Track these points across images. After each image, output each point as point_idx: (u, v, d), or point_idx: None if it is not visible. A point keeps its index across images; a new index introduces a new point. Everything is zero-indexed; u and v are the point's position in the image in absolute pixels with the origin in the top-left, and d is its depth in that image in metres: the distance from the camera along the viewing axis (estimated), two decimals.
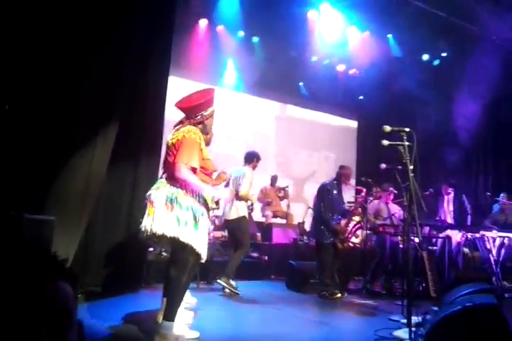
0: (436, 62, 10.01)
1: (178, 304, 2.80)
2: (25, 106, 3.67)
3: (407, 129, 3.43)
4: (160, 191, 2.78)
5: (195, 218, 2.76)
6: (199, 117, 3.00)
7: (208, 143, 3.23)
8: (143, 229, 2.77)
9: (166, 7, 5.30)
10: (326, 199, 5.50)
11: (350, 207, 5.99)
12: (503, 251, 6.61)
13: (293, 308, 4.61)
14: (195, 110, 2.99)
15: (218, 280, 5.10)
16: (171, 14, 5.50)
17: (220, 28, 8.73)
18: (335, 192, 5.57)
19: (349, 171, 5.81)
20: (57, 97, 3.84)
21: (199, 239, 2.77)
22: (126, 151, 4.54)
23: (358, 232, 5.77)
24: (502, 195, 7.55)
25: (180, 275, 2.79)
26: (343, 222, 5.76)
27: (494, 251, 6.60)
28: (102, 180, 4.11)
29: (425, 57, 9.88)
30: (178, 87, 8.06)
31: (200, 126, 3.00)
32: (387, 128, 3.41)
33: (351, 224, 5.61)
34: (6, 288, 0.89)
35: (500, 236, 6.61)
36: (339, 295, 5.25)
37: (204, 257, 2.87)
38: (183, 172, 2.75)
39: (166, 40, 5.38)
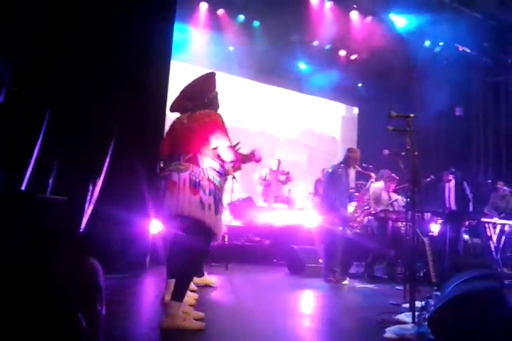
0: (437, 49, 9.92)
1: (187, 285, 2.83)
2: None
3: (412, 115, 3.41)
4: (182, 174, 2.77)
5: (215, 202, 2.78)
6: (207, 101, 3.02)
7: None
8: (166, 208, 2.77)
9: None
10: (335, 185, 5.34)
11: (355, 192, 5.94)
12: (503, 238, 6.63)
13: (295, 292, 4.63)
14: (201, 95, 3.01)
15: None
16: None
17: (220, 11, 8.60)
18: (343, 177, 5.42)
19: (357, 154, 5.58)
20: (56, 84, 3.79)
21: (218, 223, 2.83)
22: (128, 138, 4.49)
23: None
24: (500, 182, 7.56)
25: (194, 256, 2.80)
26: (350, 207, 5.72)
27: (494, 238, 6.62)
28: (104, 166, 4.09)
29: (427, 43, 9.78)
30: (179, 72, 8.04)
31: (211, 108, 3.02)
32: (393, 114, 3.42)
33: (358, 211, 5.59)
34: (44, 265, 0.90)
35: (500, 224, 6.63)
36: (346, 281, 5.25)
37: (218, 240, 2.92)
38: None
39: (167, 23, 5.31)
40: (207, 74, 3.16)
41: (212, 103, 3.06)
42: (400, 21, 9.21)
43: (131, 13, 4.77)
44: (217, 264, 5.59)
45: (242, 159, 3.00)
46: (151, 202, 4.23)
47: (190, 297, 3.27)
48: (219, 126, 2.86)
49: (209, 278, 4.30)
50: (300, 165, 10.28)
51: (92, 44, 4.30)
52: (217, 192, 2.82)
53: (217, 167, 2.86)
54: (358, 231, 6.24)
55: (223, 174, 2.95)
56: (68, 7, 4.02)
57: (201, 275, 4.15)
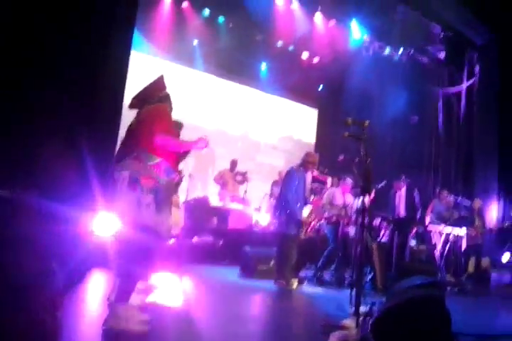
0: (396, 57, 10.20)
1: (132, 286, 2.75)
2: None
3: (367, 122, 3.46)
4: (124, 172, 2.73)
5: (157, 201, 2.71)
6: (156, 99, 3.00)
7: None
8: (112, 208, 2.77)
9: None
10: (293, 188, 5.33)
11: (311, 195, 5.97)
12: (447, 245, 6.87)
13: (246, 296, 4.60)
14: (149, 95, 3.01)
15: None
16: None
17: (185, 4, 8.45)
18: (301, 180, 5.41)
19: (315, 158, 5.59)
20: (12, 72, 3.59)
21: (161, 222, 2.73)
22: (82, 127, 4.30)
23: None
24: (444, 191, 7.83)
25: (137, 257, 2.69)
26: (305, 210, 5.73)
27: (439, 246, 6.86)
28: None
29: (387, 51, 10.02)
30: (142, 63, 7.85)
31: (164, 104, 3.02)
32: (349, 120, 3.50)
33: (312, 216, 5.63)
34: None
35: (446, 232, 6.87)
36: (295, 285, 5.24)
37: (165, 242, 2.86)
38: (161, 139, 2.74)
39: (129, 12, 5.15)
40: (156, 77, 3.17)
41: (162, 101, 3.03)
42: (362, 28, 9.39)
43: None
44: (169, 264, 5.47)
45: (186, 146, 2.92)
46: (99, 194, 4.03)
47: (136, 298, 3.20)
48: (156, 119, 2.84)
49: (159, 279, 4.18)
50: (277, 170, 10.29)
51: (48, 32, 4.08)
52: (160, 191, 2.74)
53: (164, 165, 2.79)
54: (310, 234, 6.29)
55: (172, 172, 2.87)
56: None
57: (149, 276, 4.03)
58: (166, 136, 2.78)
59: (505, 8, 8.21)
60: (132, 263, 2.70)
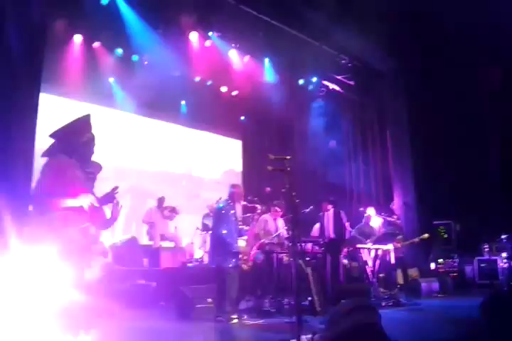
0: (310, 87, 10.73)
1: None
2: None
3: (288, 157, 3.82)
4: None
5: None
6: (71, 148, 2.88)
7: (93, 178, 3.05)
8: None
9: (36, 20, 4.92)
10: (225, 221, 5.36)
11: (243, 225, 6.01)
12: (377, 261, 7.17)
13: (186, 338, 4.44)
14: (69, 139, 2.89)
15: None
16: (43, 27, 5.14)
17: (96, 44, 8.34)
18: (231, 212, 5.47)
19: (241, 189, 5.78)
20: None
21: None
22: None
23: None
24: (369, 208, 8.24)
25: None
26: (241, 241, 5.73)
27: (370, 262, 7.14)
28: None
29: (301, 81, 10.51)
30: (52, 105, 7.55)
31: (75, 155, 2.87)
32: (271, 156, 3.84)
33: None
34: None
35: (374, 248, 7.17)
36: (236, 320, 5.17)
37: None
38: (39, 198, 2.67)
39: (37, 53, 4.98)
40: (81, 116, 3.02)
41: (79, 149, 2.90)
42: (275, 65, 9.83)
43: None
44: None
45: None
46: None
47: None
48: (52, 172, 2.73)
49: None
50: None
51: None
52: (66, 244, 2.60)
53: (70, 216, 2.67)
54: (250, 264, 6.25)
55: (80, 223, 2.73)
56: None
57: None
58: (43, 196, 2.66)
59: (408, 38, 9.09)
60: None
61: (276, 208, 6.55)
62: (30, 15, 4.90)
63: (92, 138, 2.98)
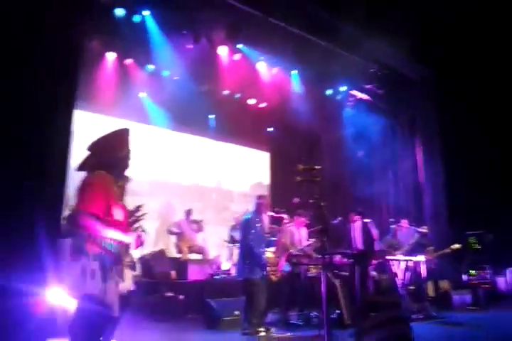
0: (338, 97, 10.72)
1: None
2: None
3: (318, 167, 3.69)
4: (67, 239, 2.65)
5: (103, 268, 2.58)
6: (113, 161, 2.84)
7: (122, 191, 2.98)
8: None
9: (71, 39, 5.13)
10: (252, 232, 5.37)
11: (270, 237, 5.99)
12: (408, 274, 7.03)
13: None
14: (109, 153, 2.85)
15: None
16: (78, 45, 5.35)
17: (128, 61, 8.62)
18: (258, 224, 5.49)
19: (267, 200, 5.81)
20: None
21: (108, 291, 2.58)
22: (25, 194, 4.17)
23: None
24: (403, 220, 8.11)
25: (84, 332, 2.58)
26: (270, 252, 5.74)
27: (400, 274, 7.01)
28: None
29: (329, 92, 10.52)
30: (87, 122, 7.82)
31: (114, 170, 2.83)
32: (301, 166, 3.78)
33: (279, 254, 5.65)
34: None
35: (404, 260, 7.05)
36: (264, 333, 5.14)
37: (115, 311, 2.64)
38: (82, 218, 2.57)
39: (72, 71, 5.18)
40: (120, 130, 2.98)
41: (118, 164, 2.86)
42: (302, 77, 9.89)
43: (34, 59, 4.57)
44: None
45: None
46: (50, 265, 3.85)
47: None
48: (89, 189, 2.66)
49: None
50: None
51: None
52: (105, 257, 2.62)
53: (108, 231, 2.65)
54: (279, 275, 6.24)
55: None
56: None
57: None
58: (89, 219, 2.58)
59: (439, 44, 9.00)
60: (80, 335, 2.59)
61: (300, 218, 6.51)
62: (67, 35, 5.08)
63: (130, 152, 2.94)
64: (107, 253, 2.64)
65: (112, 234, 2.67)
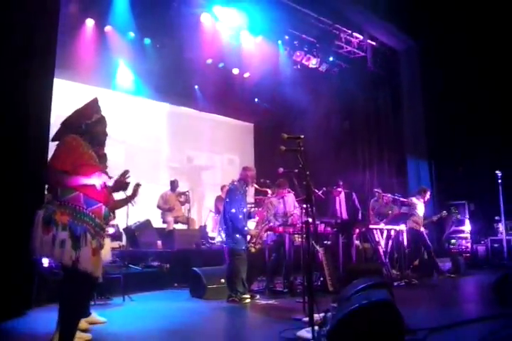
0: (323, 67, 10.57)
1: (72, 329, 2.68)
2: None
3: (302, 136, 3.64)
4: (39, 210, 2.66)
5: (74, 237, 2.61)
6: (83, 127, 2.93)
7: (99, 155, 3.08)
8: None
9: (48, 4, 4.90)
10: (237, 203, 5.37)
11: (253, 208, 6.01)
12: (390, 242, 7.19)
13: (198, 316, 4.55)
14: (78, 121, 2.95)
15: None
16: (55, 12, 5.12)
17: (108, 28, 8.31)
18: (243, 194, 5.49)
19: (254, 172, 5.71)
20: None
21: (84, 258, 2.62)
22: (5, 164, 4.08)
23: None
24: (376, 189, 8.24)
25: (66, 298, 2.68)
26: (251, 224, 5.75)
27: (383, 243, 7.15)
28: None
29: (313, 61, 10.36)
30: (65, 90, 7.59)
31: (86, 136, 2.92)
32: (285, 135, 3.67)
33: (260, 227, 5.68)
34: None
35: (386, 229, 7.19)
36: (248, 299, 5.25)
37: (96, 275, 2.74)
38: (49, 173, 2.71)
39: (49, 38, 4.96)
40: (89, 101, 3.08)
41: (90, 130, 2.95)
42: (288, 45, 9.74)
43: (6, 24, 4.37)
44: (114, 297, 5.27)
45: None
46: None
47: (80, 338, 3.17)
48: (64, 149, 2.77)
49: (96, 317, 4.02)
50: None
51: None
52: (76, 226, 2.64)
53: (83, 197, 2.71)
54: (260, 246, 6.31)
55: (95, 203, 2.77)
56: None
57: (87, 314, 3.85)
58: (56, 173, 2.70)
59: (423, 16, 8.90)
60: (64, 305, 2.70)
61: (280, 188, 6.49)
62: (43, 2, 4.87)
63: (101, 118, 3.02)
64: (79, 221, 2.66)
65: (84, 180, 2.73)
